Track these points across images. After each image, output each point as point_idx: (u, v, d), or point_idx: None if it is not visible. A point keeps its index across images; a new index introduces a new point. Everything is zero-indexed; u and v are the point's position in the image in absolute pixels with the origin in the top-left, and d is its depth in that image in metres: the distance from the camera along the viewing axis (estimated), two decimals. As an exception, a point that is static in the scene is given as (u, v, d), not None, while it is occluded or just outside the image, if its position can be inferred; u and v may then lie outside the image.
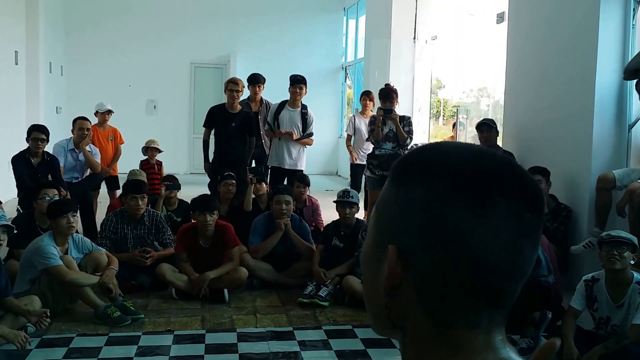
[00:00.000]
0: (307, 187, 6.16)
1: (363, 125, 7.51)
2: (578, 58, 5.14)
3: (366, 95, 7.95)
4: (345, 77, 13.41)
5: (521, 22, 6.13)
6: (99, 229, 5.54)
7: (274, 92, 7.53)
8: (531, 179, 0.69)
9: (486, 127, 5.99)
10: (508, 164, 0.68)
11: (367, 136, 7.00)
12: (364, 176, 7.09)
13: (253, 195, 5.98)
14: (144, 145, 7.20)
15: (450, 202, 0.64)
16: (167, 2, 12.41)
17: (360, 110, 8.16)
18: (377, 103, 6.91)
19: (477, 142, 6.21)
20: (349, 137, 7.82)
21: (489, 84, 9.60)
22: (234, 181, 5.97)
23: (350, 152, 7.78)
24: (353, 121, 7.83)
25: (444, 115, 11.43)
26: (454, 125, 9.01)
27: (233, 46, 12.48)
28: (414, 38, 9.96)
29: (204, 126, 6.76)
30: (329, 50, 13.27)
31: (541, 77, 5.70)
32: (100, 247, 4.75)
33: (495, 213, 0.64)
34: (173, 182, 6.11)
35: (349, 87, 13.42)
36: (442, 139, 9.36)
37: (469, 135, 8.43)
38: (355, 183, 7.68)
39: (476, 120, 7.08)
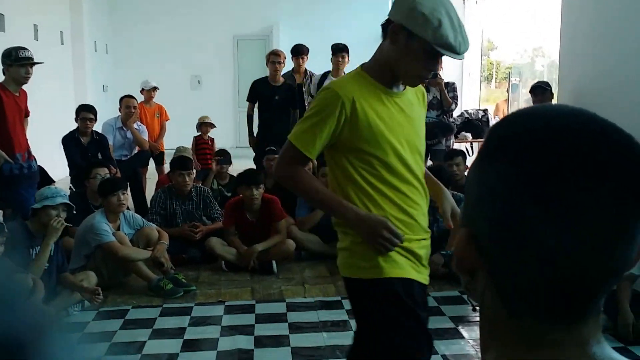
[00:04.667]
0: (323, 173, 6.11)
1: None
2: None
3: None
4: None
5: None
6: (149, 205, 5.66)
7: (320, 63, 7.44)
8: None
9: (540, 90, 5.82)
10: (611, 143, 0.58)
11: None
12: None
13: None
14: (197, 122, 7.27)
15: (511, 186, 0.58)
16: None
17: None
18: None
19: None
20: None
21: (544, 43, 9.32)
22: (273, 155, 5.97)
23: None
24: None
25: (496, 78, 11.15)
26: (508, 88, 8.79)
27: (275, 17, 12.39)
28: (463, -2, 9.72)
29: (247, 100, 6.77)
30: (375, 13, 13.00)
31: (601, 36, 5.34)
32: (151, 223, 4.86)
33: (580, 208, 0.56)
34: (224, 157, 6.19)
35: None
36: (495, 103, 9.16)
37: (522, 99, 8.20)
38: None
39: (531, 82, 6.89)
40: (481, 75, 10.09)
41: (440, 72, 6.34)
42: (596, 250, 0.57)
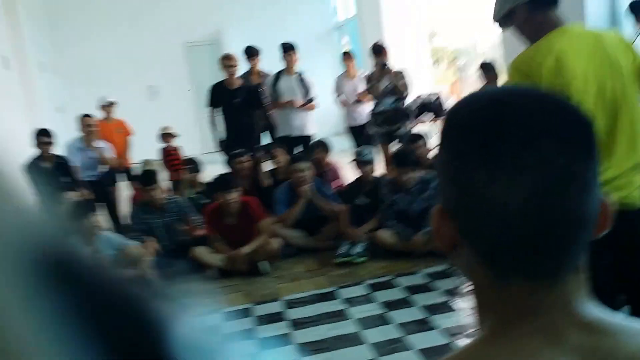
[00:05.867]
0: (328, 152, 6.18)
1: (348, 86, 7.36)
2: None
3: (346, 55, 7.63)
4: (342, 37, 13.22)
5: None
6: (128, 221, 5.60)
7: (274, 62, 7.45)
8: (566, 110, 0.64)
9: (486, 69, 6.02)
10: (535, 102, 0.64)
11: (354, 98, 7.04)
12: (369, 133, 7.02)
13: (273, 167, 6.02)
14: (159, 133, 7.20)
15: (462, 158, 0.63)
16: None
17: (344, 71, 7.68)
18: (362, 63, 6.91)
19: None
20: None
21: (487, 24, 9.56)
22: (243, 157, 5.94)
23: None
24: (338, 83, 7.54)
25: (445, 62, 11.35)
26: (457, 70, 8.97)
27: (224, 21, 12.28)
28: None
29: (208, 106, 6.74)
30: (320, 11, 13.06)
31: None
32: (131, 241, 4.81)
33: (523, 162, 0.60)
34: (193, 165, 6.16)
35: (347, 47, 13.25)
36: (447, 84, 9.34)
37: (471, 79, 8.42)
38: (360, 143, 7.55)
39: (477, 63, 7.08)
40: (431, 60, 10.26)
41: (387, 62, 6.52)
42: (547, 200, 0.60)
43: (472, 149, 0.62)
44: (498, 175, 0.60)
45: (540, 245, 0.61)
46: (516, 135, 0.61)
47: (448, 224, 0.66)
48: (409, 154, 5.44)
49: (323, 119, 8.14)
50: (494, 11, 2.24)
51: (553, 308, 0.63)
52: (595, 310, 0.64)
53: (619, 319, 0.66)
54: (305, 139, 6.77)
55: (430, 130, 7.11)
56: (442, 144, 0.67)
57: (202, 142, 12.05)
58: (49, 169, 5.89)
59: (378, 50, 6.58)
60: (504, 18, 2.21)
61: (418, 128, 6.91)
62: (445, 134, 0.67)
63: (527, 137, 0.61)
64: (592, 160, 0.62)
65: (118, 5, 11.95)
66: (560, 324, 0.62)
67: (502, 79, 6.20)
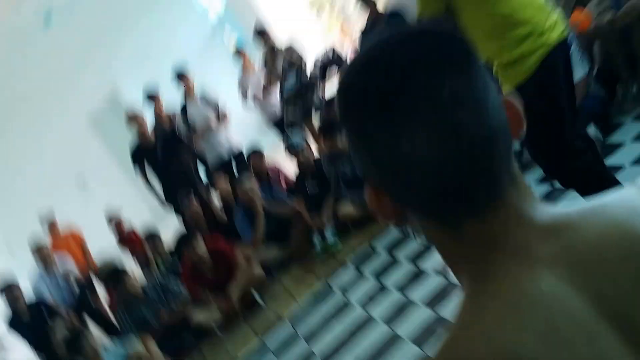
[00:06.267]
0: (263, 157, 6.14)
1: (252, 82, 7.15)
2: None
3: (237, 53, 7.39)
4: (227, 36, 13.01)
5: None
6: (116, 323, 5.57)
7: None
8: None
9: (363, 1, 5.96)
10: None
11: (262, 90, 6.93)
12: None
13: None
14: (107, 223, 7.05)
15: (365, 135, 0.64)
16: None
17: (242, 68, 7.41)
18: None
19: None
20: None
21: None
22: (188, 203, 5.90)
23: None
24: (242, 83, 7.31)
25: (326, 8, 11.12)
26: (339, 12, 8.89)
27: (115, 74, 11.91)
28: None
29: (136, 171, 6.70)
30: (197, 20, 12.77)
31: None
32: (133, 342, 4.80)
33: (407, 117, 0.61)
34: (152, 237, 6.04)
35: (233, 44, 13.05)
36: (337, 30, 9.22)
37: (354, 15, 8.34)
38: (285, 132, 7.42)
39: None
40: (313, 12, 10.11)
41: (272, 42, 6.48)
42: (453, 137, 0.60)
43: (369, 124, 0.62)
44: (402, 134, 0.61)
45: (468, 177, 0.61)
46: (397, 92, 0.60)
47: (384, 199, 0.67)
48: (332, 120, 5.46)
49: (244, 125, 8.09)
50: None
51: (509, 229, 0.63)
52: (547, 210, 0.65)
53: (573, 207, 0.66)
54: (238, 156, 6.75)
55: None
56: (345, 128, 0.67)
57: (150, 207, 11.75)
58: (30, 322, 5.84)
59: (261, 35, 6.58)
60: None
61: (330, 88, 6.91)
62: (343, 117, 0.66)
63: (409, 88, 0.60)
64: (475, 75, 0.62)
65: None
66: (523, 242, 0.62)
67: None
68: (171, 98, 7.21)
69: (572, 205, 0.67)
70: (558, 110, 2.45)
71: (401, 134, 0.61)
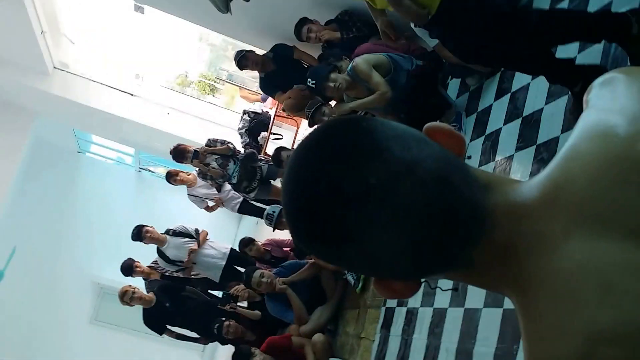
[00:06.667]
0: (253, 244, 6.05)
1: (201, 192, 7.06)
2: None
3: (171, 178, 6.99)
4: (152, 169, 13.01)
5: None
6: None
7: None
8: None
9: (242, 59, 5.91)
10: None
11: (217, 195, 6.86)
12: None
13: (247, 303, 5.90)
14: None
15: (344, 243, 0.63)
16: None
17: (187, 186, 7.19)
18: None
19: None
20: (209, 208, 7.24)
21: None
22: (222, 326, 5.77)
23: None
24: (193, 200, 7.16)
25: (214, 88, 11.27)
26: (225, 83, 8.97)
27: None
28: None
29: (161, 334, 6.55)
30: (119, 175, 12.74)
31: None
32: None
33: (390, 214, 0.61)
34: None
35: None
36: (240, 97, 9.25)
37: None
38: (259, 213, 7.10)
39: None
40: (206, 92, 10.21)
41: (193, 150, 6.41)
42: (403, 207, 0.59)
43: (329, 247, 0.62)
44: (364, 240, 0.59)
45: (446, 225, 0.60)
46: (338, 211, 0.59)
47: (392, 284, 0.66)
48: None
49: (219, 227, 8.03)
50: None
51: (512, 230, 0.60)
52: (533, 183, 0.62)
53: (552, 163, 0.62)
54: (233, 256, 6.64)
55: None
56: (311, 251, 0.66)
57: (199, 354, 11.42)
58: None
59: (177, 153, 6.47)
60: None
61: (268, 147, 6.91)
62: (304, 245, 0.65)
63: (345, 202, 0.59)
64: (389, 149, 0.60)
65: None
66: (532, 231, 0.59)
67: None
68: (147, 252, 7.08)
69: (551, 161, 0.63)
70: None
71: (363, 240, 0.59)
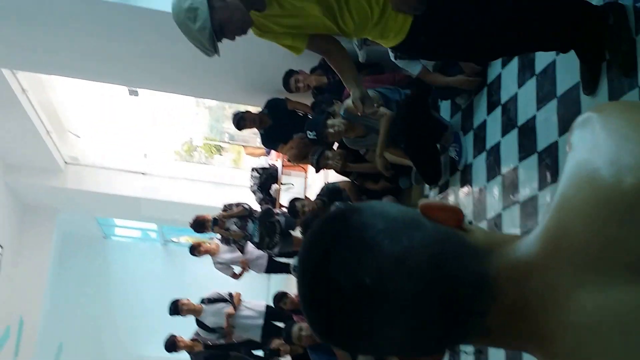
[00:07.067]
0: (286, 297, 6.05)
1: (227, 258, 7.09)
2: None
3: (194, 250, 7.02)
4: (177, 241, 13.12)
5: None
6: None
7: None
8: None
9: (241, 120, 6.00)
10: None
11: (241, 257, 6.90)
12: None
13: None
14: None
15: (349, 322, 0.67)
16: None
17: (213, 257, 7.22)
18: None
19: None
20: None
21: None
22: None
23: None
24: (219, 267, 7.14)
25: (213, 151, 11.35)
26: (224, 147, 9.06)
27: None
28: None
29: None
30: (146, 251, 12.86)
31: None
32: None
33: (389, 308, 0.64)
34: None
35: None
36: (246, 155, 9.33)
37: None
38: (283, 270, 7.11)
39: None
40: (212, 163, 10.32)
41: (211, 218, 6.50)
42: (411, 295, 0.62)
43: (348, 339, 0.66)
44: (375, 333, 0.63)
45: (452, 302, 0.63)
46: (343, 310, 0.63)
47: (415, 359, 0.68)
48: (307, 219, 5.45)
49: (252, 289, 8.01)
50: None
51: (519, 289, 0.61)
52: (532, 237, 0.63)
53: (546, 214, 0.63)
54: (270, 313, 6.63)
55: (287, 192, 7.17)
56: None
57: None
58: None
59: (199, 226, 6.54)
60: None
61: (281, 198, 6.95)
62: (326, 339, 0.68)
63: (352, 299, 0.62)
64: (379, 238, 0.63)
65: None
66: (541, 285, 0.60)
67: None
68: (187, 323, 7.10)
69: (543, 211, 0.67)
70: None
71: (372, 335, 0.63)
